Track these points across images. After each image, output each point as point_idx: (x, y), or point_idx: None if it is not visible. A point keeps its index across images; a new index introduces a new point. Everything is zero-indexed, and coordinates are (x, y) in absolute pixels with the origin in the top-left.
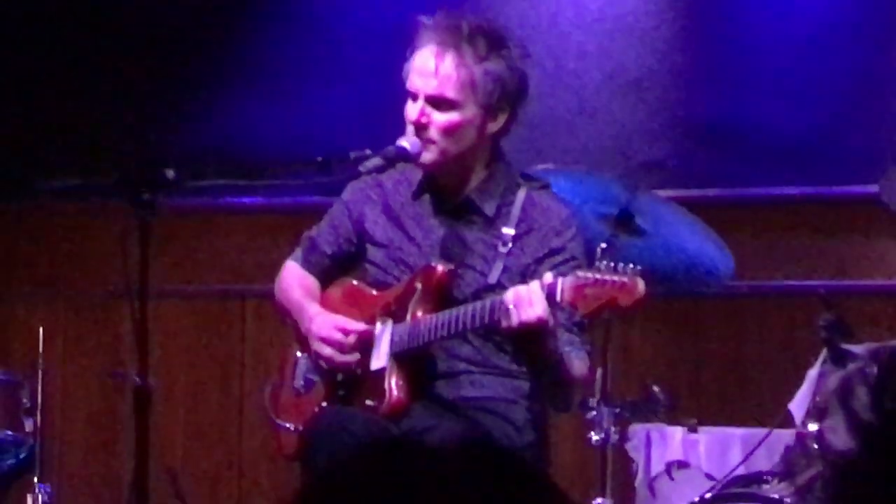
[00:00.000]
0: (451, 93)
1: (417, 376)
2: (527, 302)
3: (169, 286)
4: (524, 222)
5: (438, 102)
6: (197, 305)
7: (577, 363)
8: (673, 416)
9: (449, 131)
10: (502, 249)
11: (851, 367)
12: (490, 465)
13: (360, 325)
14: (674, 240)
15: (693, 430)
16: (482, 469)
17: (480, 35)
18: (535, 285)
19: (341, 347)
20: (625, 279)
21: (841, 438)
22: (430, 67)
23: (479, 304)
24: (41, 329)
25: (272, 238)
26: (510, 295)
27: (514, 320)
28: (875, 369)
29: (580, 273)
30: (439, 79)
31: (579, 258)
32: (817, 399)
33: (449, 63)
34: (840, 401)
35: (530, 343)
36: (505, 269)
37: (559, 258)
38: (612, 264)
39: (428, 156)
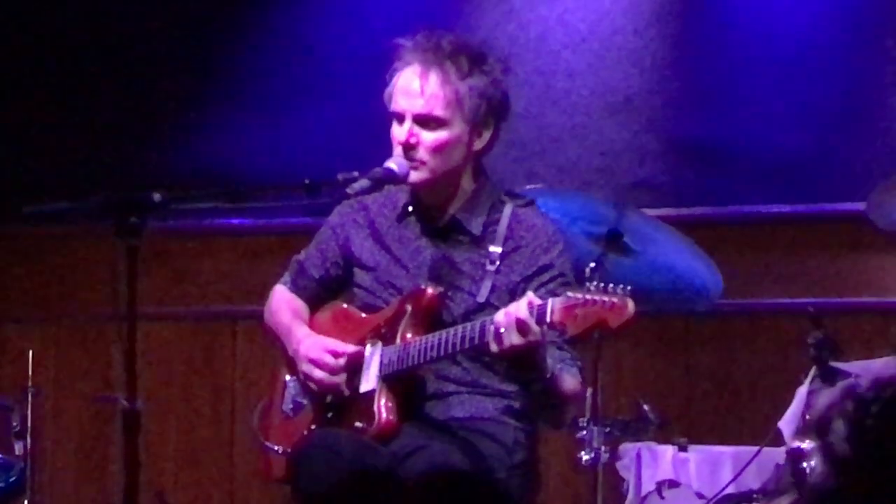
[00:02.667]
0: (438, 111)
1: (407, 398)
2: (516, 323)
3: (159, 309)
4: (511, 240)
5: (426, 121)
6: (187, 328)
7: (569, 379)
8: (663, 435)
9: (438, 150)
10: (490, 268)
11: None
12: (479, 488)
13: (349, 348)
14: (663, 259)
15: (683, 448)
16: (470, 492)
17: (462, 52)
18: (524, 306)
19: (330, 370)
20: (615, 300)
21: (818, 473)
22: (416, 87)
23: (468, 325)
24: (31, 353)
25: (261, 260)
26: (500, 317)
27: (505, 342)
28: (850, 404)
29: (570, 293)
30: (426, 98)
31: (567, 274)
32: (807, 417)
33: (434, 81)
34: (817, 436)
35: (521, 362)
36: (493, 288)
37: (548, 275)
38: (602, 285)
39: (418, 175)
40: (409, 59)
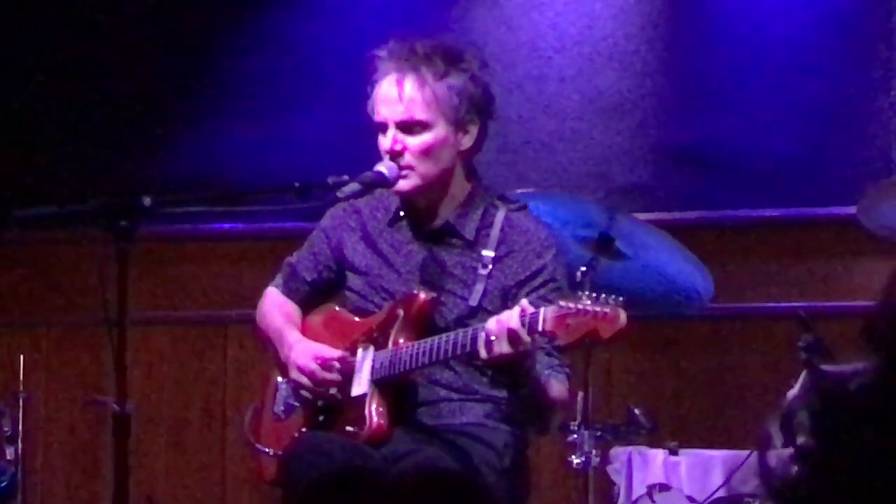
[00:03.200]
0: (419, 114)
1: (398, 403)
2: (507, 333)
3: (150, 313)
4: (504, 244)
5: (409, 126)
6: (178, 332)
7: (557, 386)
8: (654, 439)
9: (425, 153)
10: (482, 272)
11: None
12: (469, 494)
13: (339, 353)
14: (654, 263)
15: (674, 452)
16: (461, 498)
17: (436, 54)
18: (515, 316)
19: (321, 375)
20: (607, 310)
21: (783, 464)
22: (394, 94)
23: (460, 332)
24: (22, 357)
25: (252, 264)
26: (491, 325)
27: (495, 350)
28: (815, 397)
29: (562, 302)
30: (405, 103)
31: (560, 279)
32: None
33: (410, 86)
34: (781, 427)
35: (508, 368)
36: (486, 292)
37: (540, 280)
38: (595, 294)
39: (407, 182)
40: (386, 68)
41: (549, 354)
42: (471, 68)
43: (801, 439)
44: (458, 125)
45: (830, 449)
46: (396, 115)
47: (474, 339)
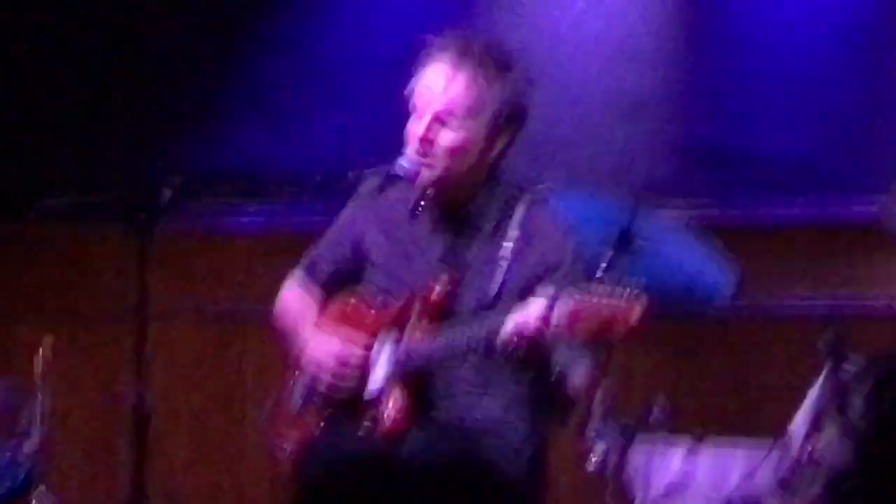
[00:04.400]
0: (459, 111)
1: (415, 398)
2: (524, 331)
3: (170, 307)
4: (524, 235)
5: (446, 120)
6: (198, 327)
7: (577, 377)
8: (673, 438)
9: (453, 151)
10: (502, 264)
11: (845, 378)
12: (487, 491)
13: (357, 349)
14: (675, 260)
15: (695, 448)
16: (478, 494)
17: (490, 56)
18: (533, 316)
19: (338, 371)
20: (622, 303)
21: (836, 451)
22: (441, 85)
23: (476, 326)
24: (41, 350)
25: (272, 259)
26: (509, 324)
27: (514, 346)
28: (870, 379)
29: (577, 296)
30: (448, 97)
31: (579, 271)
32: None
33: (459, 82)
34: (836, 411)
35: (528, 363)
36: (505, 283)
37: (560, 272)
38: (610, 288)
39: (430, 173)
40: (438, 57)
41: (570, 346)
42: (519, 79)
43: (854, 423)
44: (493, 131)
45: (883, 431)
46: (437, 106)
47: (491, 335)
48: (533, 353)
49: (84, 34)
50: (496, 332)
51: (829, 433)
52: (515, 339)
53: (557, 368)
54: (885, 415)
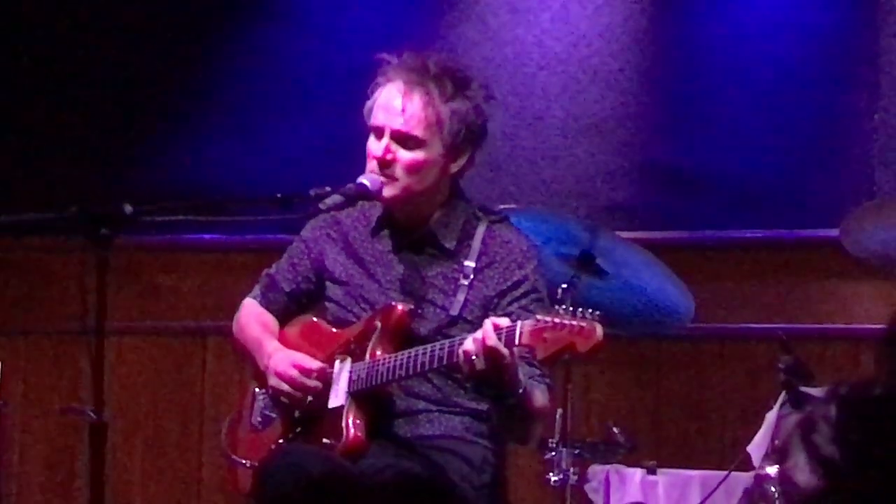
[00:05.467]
0: (417, 131)
1: (375, 415)
2: (484, 351)
3: (129, 323)
4: (485, 255)
5: (404, 140)
6: (156, 343)
7: (538, 395)
8: (632, 458)
9: (413, 169)
10: (464, 282)
11: (810, 406)
12: None
13: (318, 364)
14: (635, 281)
15: (652, 471)
16: None
17: (446, 75)
18: (490, 331)
19: (298, 386)
20: (583, 324)
21: (804, 476)
22: (398, 105)
23: (437, 345)
24: (0, 365)
25: (232, 275)
26: (468, 344)
27: (477, 367)
28: (834, 407)
29: (539, 316)
30: (406, 116)
31: (541, 290)
32: (776, 442)
33: (416, 101)
34: (801, 438)
35: (490, 382)
36: (466, 303)
37: (521, 290)
38: (572, 309)
39: (390, 191)
40: (393, 76)
41: (530, 364)
42: (476, 97)
43: (821, 449)
44: (452, 150)
45: (854, 459)
46: (394, 125)
47: (451, 353)
48: (492, 372)
49: (43, 45)
50: (456, 350)
51: (797, 461)
52: (474, 357)
53: (520, 389)
54: (854, 439)
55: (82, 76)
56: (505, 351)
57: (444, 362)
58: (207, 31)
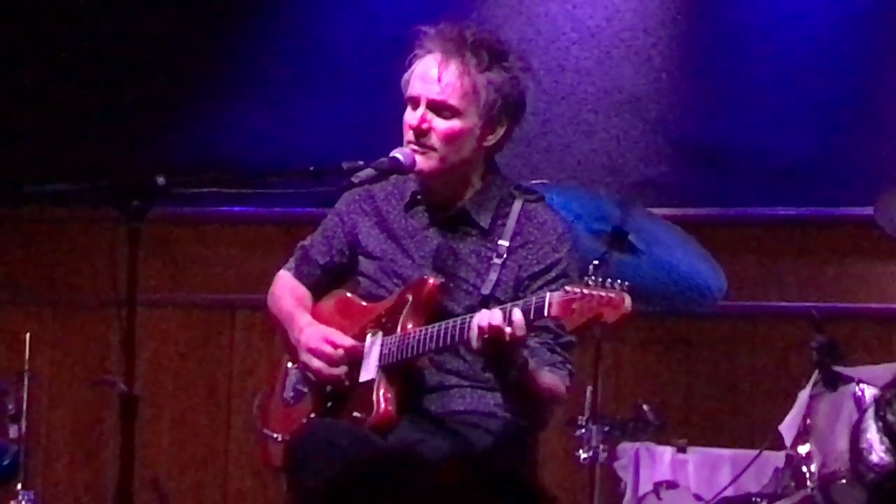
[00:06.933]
0: (453, 100)
1: (406, 389)
2: (489, 330)
3: (159, 295)
4: (519, 235)
5: (440, 109)
6: (186, 314)
7: (549, 377)
8: (662, 436)
9: (449, 139)
10: (496, 261)
11: (886, 384)
12: (476, 481)
13: (349, 339)
14: (667, 258)
15: (682, 450)
16: (468, 485)
17: (483, 45)
18: (517, 312)
19: (329, 360)
20: (612, 294)
21: (878, 456)
22: (434, 74)
23: (468, 317)
24: (28, 336)
25: (263, 248)
26: (484, 318)
27: (484, 342)
28: None
29: (568, 287)
30: (442, 86)
31: (573, 274)
32: (808, 421)
33: (452, 71)
34: (876, 416)
35: (499, 358)
36: (499, 282)
37: (553, 273)
38: (601, 280)
39: (427, 162)
40: (430, 47)
41: (552, 351)
42: (513, 68)
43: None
44: (488, 121)
45: None
46: (431, 95)
47: (471, 331)
48: (504, 350)
49: (77, 17)
50: (471, 326)
51: (871, 437)
52: (487, 334)
53: (530, 367)
54: None
55: (116, 49)
56: (514, 331)
57: (465, 338)
58: (241, 4)
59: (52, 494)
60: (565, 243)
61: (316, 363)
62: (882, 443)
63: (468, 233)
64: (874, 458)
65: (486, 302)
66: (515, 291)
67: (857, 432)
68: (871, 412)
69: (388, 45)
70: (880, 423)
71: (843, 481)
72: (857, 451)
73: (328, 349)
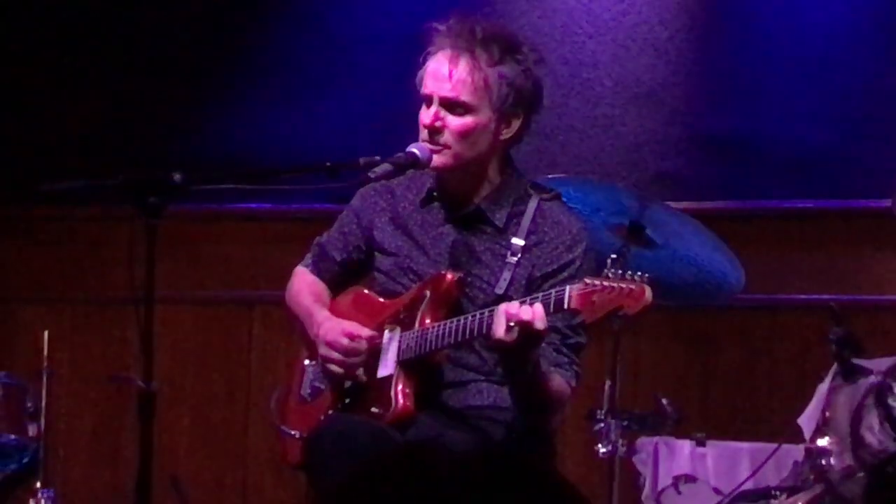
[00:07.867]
0: (465, 96)
1: (424, 385)
2: (517, 321)
3: (176, 291)
4: (534, 234)
5: (453, 106)
6: (204, 311)
7: (558, 379)
8: (681, 429)
9: (463, 135)
10: (511, 260)
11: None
12: (497, 474)
13: (368, 332)
14: (684, 252)
15: (701, 443)
16: (489, 479)
17: (494, 40)
18: (538, 306)
19: (348, 353)
20: (632, 286)
21: (876, 438)
22: (445, 71)
23: (487, 311)
24: (46, 333)
25: (280, 244)
26: (502, 315)
27: (499, 339)
28: None
29: (588, 280)
30: (454, 82)
31: (588, 274)
32: (827, 414)
33: (463, 67)
34: (876, 401)
35: (512, 357)
36: (513, 281)
37: (566, 274)
38: (620, 272)
39: (441, 159)
40: (442, 44)
41: (558, 351)
42: (526, 61)
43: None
44: (502, 115)
45: None
46: (443, 92)
47: (487, 327)
48: (524, 344)
49: (93, 13)
50: (497, 315)
51: (870, 421)
52: (513, 321)
53: (541, 368)
54: None
55: (132, 45)
56: (532, 328)
57: (482, 333)
58: (258, 2)
59: (72, 491)
60: (580, 244)
61: (335, 356)
62: (883, 428)
63: (483, 230)
64: (875, 443)
65: (500, 300)
66: (528, 290)
67: (857, 418)
68: (871, 399)
69: (404, 40)
70: (882, 410)
71: (862, 474)
72: (857, 436)
73: (346, 343)
